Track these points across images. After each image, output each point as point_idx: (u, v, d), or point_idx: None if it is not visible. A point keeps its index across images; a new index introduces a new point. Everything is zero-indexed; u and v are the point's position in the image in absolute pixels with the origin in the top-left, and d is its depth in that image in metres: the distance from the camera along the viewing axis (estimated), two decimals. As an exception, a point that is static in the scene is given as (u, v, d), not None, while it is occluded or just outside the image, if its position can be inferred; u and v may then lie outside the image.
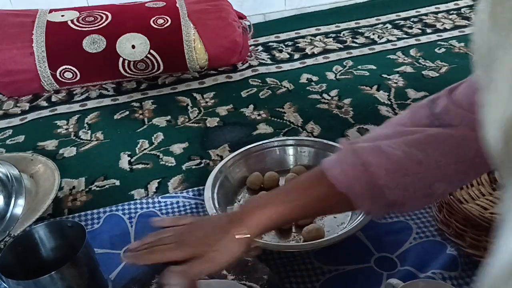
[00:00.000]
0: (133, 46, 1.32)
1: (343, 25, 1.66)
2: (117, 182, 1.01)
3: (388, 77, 1.33)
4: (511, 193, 0.37)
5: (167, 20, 1.35)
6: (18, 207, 0.87)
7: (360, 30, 1.62)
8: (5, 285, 0.66)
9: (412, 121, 0.62)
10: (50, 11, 1.38)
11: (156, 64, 1.35)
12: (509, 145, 0.39)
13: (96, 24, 1.33)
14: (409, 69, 1.36)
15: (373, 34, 1.58)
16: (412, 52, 1.45)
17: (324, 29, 1.64)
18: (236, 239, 0.61)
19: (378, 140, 0.62)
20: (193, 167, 1.04)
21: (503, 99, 0.38)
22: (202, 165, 1.05)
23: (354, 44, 1.53)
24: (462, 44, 1.48)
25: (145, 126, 1.20)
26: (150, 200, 0.94)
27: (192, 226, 0.67)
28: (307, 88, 1.31)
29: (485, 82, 0.41)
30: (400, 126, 0.63)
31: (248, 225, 0.62)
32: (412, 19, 1.67)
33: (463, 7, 1.74)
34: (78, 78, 1.34)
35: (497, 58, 0.39)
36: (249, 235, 0.62)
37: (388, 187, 0.60)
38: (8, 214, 0.85)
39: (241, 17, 1.45)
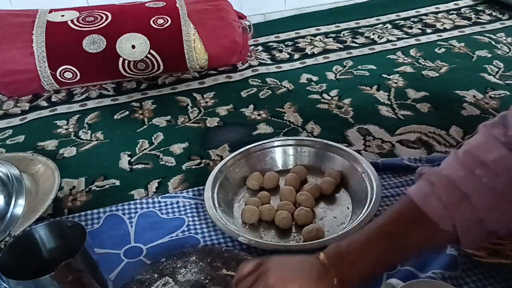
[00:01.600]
0: (133, 46, 1.32)
1: (343, 25, 1.66)
2: (117, 182, 1.01)
3: (388, 77, 1.33)
4: None
5: (167, 20, 1.35)
6: (19, 207, 0.87)
7: (360, 30, 1.62)
8: (5, 285, 0.66)
9: (505, 134, 0.58)
10: (50, 11, 1.38)
11: (156, 64, 1.35)
12: None
13: (96, 24, 1.33)
14: (409, 69, 1.36)
15: (373, 34, 1.58)
16: (412, 52, 1.45)
17: (324, 29, 1.64)
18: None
19: (472, 170, 0.58)
20: (193, 167, 1.04)
21: None
22: (202, 165, 1.05)
23: (354, 44, 1.53)
24: (462, 44, 1.48)
25: (145, 126, 1.20)
26: (150, 200, 0.94)
27: (282, 279, 0.59)
28: (307, 88, 1.31)
29: None
30: (492, 137, 0.59)
31: (345, 278, 0.59)
32: (412, 19, 1.67)
33: (463, 7, 1.74)
34: (78, 78, 1.34)
35: None
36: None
37: (490, 220, 0.57)
38: (9, 214, 0.85)
39: (241, 17, 1.45)
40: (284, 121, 1.17)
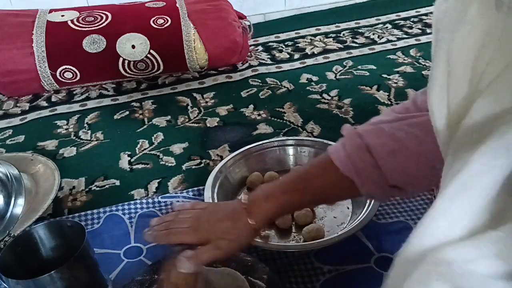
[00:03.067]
0: (133, 46, 1.32)
1: (343, 25, 1.66)
2: (117, 182, 1.01)
3: (388, 77, 1.33)
4: (444, 180, 0.38)
5: (167, 20, 1.35)
6: (18, 207, 0.87)
7: (360, 30, 1.62)
8: (5, 285, 0.66)
9: (407, 111, 0.65)
10: (50, 11, 1.38)
11: (156, 64, 1.35)
12: (451, 131, 0.39)
13: (96, 24, 1.33)
14: (409, 69, 1.36)
15: (373, 34, 1.58)
16: (412, 52, 1.45)
17: (324, 29, 1.64)
18: (245, 229, 0.66)
19: (381, 123, 0.64)
20: (193, 167, 1.04)
21: (442, 83, 0.40)
22: (202, 165, 1.05)
23: (354, 44, 1.53)
24: (462, 44, 1.47)
25: (145, 126, 1.20)
26: (150, 200, 0.94)
27: (207, 212, 0.71)
28: (307, 88, 1.31)
29: (432, 66, 0.43)
30: (398, 113, 0.65)
31: (256, 216, 0.66)
32: (412, 19, 1.67)
33: (463, 7, 1.74)
34: (78, 78, 1.34)
35: (436, 39, 0.41)
36: (256, 225, 0.66)
37: (389, 168, 0.62)
38: (8, 214, 0.85)
39: (241, 17, 1.45)
40: (284, 121, 1.17)
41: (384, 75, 1.34)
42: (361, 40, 1.55)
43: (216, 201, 0.87)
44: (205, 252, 0.65)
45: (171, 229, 0.69)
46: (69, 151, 1.12)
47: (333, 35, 1.60)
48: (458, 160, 0.35)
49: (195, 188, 0.96)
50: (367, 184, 0.64)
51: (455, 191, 0.34)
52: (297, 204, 0.71)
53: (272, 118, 1.19)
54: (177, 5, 1.40)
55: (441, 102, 0.41)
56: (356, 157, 0.64)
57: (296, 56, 1.49)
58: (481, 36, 0.37)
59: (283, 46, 1.55)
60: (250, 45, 1.53)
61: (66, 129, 1.21)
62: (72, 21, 1.34)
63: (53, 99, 1.34)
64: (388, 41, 1.53)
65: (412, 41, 1.52)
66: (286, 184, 0.70)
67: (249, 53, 1.49)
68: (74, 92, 1.37)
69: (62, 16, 1.36)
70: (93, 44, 1.31)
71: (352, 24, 1.67)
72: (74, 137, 1.17)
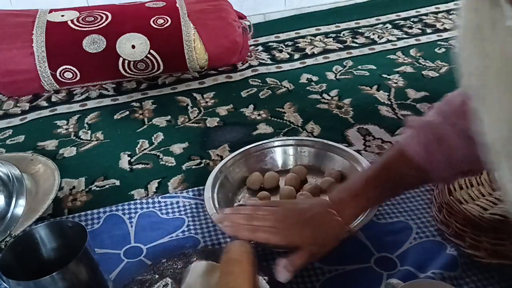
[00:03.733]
0: (133, 46, 1.32)
1: (343, 25, 1.66)
2: (117, 182, 1.01)
3: (388, 77, 1.33)
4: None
5: (167, 20, 1.35)
6: (19, 207, 0.87)
7: (360, 30, 1.62)
8: (5, 285, 0.66)
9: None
10: (50, 11, 1.38)
11: (156, 64, 1.35)
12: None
13: (96, 24, 1.33)
14: (409, 69, 1.37)
15: (373, 34, 1.58)
16: (412, 52, 1.46)
17: (324, 29, 1.64)
18: (336, 231, 0.70)
19: (448, 116, 0.69)
20: (193, 167, 1.04)
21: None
22: (202, 165, 1.05)
23: (354, 44, 1.53)
24: (462, 44, 1.47)
25: (145, 126, 1.20)
26: (150, 200, 0.94)
27: (291, 213, 0.74)
28: (307, 88, 1.31)
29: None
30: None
31: (345, 216, 0.71)
32: (412, 19, 1.67)
33: (463, 7, 1.74)
34: (78, 78, 1.34)
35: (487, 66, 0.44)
36: (346, 227, 0.71)
37: (465, 160, 0.66)
38: (9, 214, 0.85)
39: (241, 17, 1.45)
40: (284, 121, 1.17)
41: (384, 75, 1.34)
42: (361, 40, 1.55)
43: (216, 200, 0.87)
44: (300, 259, 0.67)
45: (258, 227, 0.71)
46: (69, 151, 1.12)
47: (333, 35, 1.60)
48: None
49: (195, 188, 0.97)
50: (441, 173, 0.69)
51: None
52: (380, 198, 0.76)
53: (272, 118, 1.19)
54: (177, 5, 1.40)
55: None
56: (431, 149, 0.68)
57: (296, 56, 1.49)
58: None
59: (283, 46, 1.55)
60: (250, 45, 1.53)
61: (66, 129, 1.21)
62: (72, 21, 1.34)
63: (53, 99, 1.34)
64: (388, 41, 1.53)
65: (412, 41, 1.52)
66: (369, 180, 0.73)
67: (249, 53, 1.49)
68: (74, 92, 1.37)
69: (62, 16, 1.36)
70: (93, 44, 1.31)
71: (352, 24, 1.67)
72: (74, 137, 1.17)
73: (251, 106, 1.24)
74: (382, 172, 0.73)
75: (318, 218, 0.71)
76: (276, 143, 1.01)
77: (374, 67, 1.38)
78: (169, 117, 1.22)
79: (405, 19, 1.68)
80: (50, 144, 1.15)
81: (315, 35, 1.60)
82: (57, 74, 1.31)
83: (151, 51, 1.33)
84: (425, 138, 0.69)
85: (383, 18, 1.69)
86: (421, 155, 0.68)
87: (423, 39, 1.53)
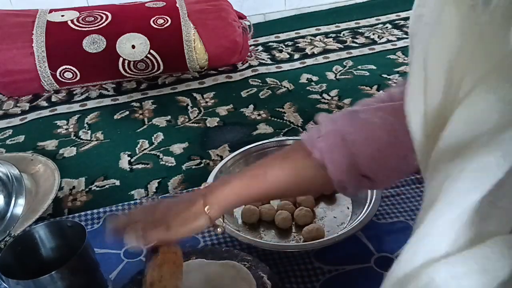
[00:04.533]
0: (133, 46, 1.32)
1: (343, 25, 1.66)
2: (117, 182, 1.01)
3: (388, 77, 1.33)
4: (428, 192, 0.38)
5: (167, 20, 1.35)
6: (19, 207, 0.87)
7: (360, 30, 1.62)
8: (5, 285, 0.66)
9: (390, 98, 0.63)
10: (50, 11, 1.38)
11: (156, 64, 1.35)
12: (429, 140, 0.39)
13: (96, 24, 1.33)
14: (409, 69, 1.36)
15: (373, 34, 1.58)
16: (412, 52, 1.45)
17: (324, 29, 1.64)
18: (198, 214, 0.65)
19: (356, 111, 0.63)
20: (193, 167, 1.04)
21: (419, 91, 0.40)
22: (202, 165, 1.05)
23: (354, 44, 1.53)
24: (462, 44, 1.47)
25: (145, 126, 1.20)
26: (150, 200, 0.94)
27: (163, 202, 0.71)
28: (307, 88, 1.31)
29: (409, 73, 0.43)
30: (373, 102, 0.64)
31: (211, 202, 0.65)
32: (412, 19, 1.67)
33: (463, 7, 1.74)
34: (78, 78, 1.34)
35: (413, 45, 0.41)
36: (211, 212, 0.65)
37: (362, 156, 0.61)
38: (9, 214, 0.85)
39: (241, 17, 1.45)
40: (284, 121, 1.17)
41: (384, 75, 1.34)
42: (361, 40, 1.55)
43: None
44: (154, 232, 0.64)
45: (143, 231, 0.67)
46: (69, 151, 1.12)
47: (333, 35, 1.60)
48: (439, 174, 0.36)
49: (195, 188, 0.96)
50: (339, 171, 0.62)
51: (440, 208, 0.35)
52: (255, 192, 0.66)
53: (272, 118, 1.19)
54: (177, 5, 1.40)
55: (418, 109, 0.40)
56: (329, 142, 0.62)
57: (296, 56, 1.49)
58: (457, 39, 0.37)
59: (283, 46, 1.55)
60: (250, 45, 1.53)
61: (66, 129, 1.21)
62: (72, 21, 1.34)
63: (53, 99, 1.34)
64: (388, 41, 1.53)
65: (412, 41, 1.52)
66: (245, 170, 0.69)
67: (249, 53, 1.49)
68: (74, 92, 1.37)
69: (62, 16, 1.36)
70: (93, 44, 1.31)
71: (352, 24, 1.67)
72: (74, 137, 1.17)
73: (251, 106, 1.24)
74: (264, 163, 0.67)
75: (186, 200, 0.67)
76: (276, 143, 1.01)
77: (374, 67, 1.38)
78: (169, 117, 1.22)
79: (405, 19, 1.67)
80: (50, 144, 1.15)
81: (315, 35, 1.60)
82: (57, 74, 1.31)
83: (151, 51, 1.33)
84: (325, 131, 0.63)
85: (383, 18, 1.69)
86: (317, 147, 0.62)
87: (423, 39, 1.53)
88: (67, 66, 1.31)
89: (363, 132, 0.61)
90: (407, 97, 0.43)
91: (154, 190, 0.98)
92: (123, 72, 1.35)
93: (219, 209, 0.66)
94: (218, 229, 0.69)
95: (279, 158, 0.67)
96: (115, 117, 1.24)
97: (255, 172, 0.67)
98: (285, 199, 0.90)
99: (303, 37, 1.60)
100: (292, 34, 1.62)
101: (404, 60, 1.41)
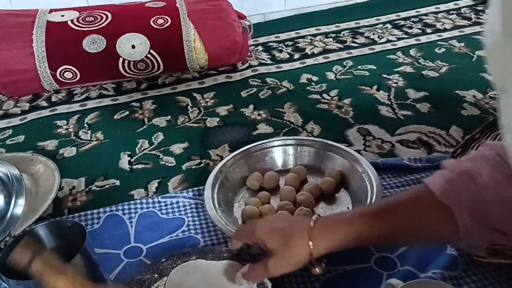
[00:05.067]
0: (133, 46, 1.32)
1: (343, 25, 1.66)
2: (117, 182, 1.01)
3: (388, 77, 1.33)
4: None
5: (167, 20, 1.35)
6: (19, 207, 0.87)
7: (360, 30, 1.62)
8: (5, 285, 0.66)
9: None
10: (50, 11, 1.38)
11: (156, 64, 1.35)
12: None
13: (96, 24, 1.33)
14: (409, 69, 1.36)
15: (373, 34, 1.58)
16: (412, 52, 1.45)
17: (324, 29, 1.64)
18: (302, 250, 0.63)
19: (483, 153, 0.58)
20: (193, 167, 1.04)
21: None
22: (202, 165, 1.05)
23: (354, 44, 1.53)
24: (462, 44, 1.48)
25: (145, 126, 1.20)
26: (150, 200, 0.94)
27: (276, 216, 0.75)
28: (307, 88, 1.31)
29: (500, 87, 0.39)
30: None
31: (317, 244, 0.63)
32: (412, 19, 1.67)
33: (463, 7, 1.74)
34: (78, 78, 1.34)
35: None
36: (314, 251, 0.63)
37: (492, 202, 0.54)
38: (9, 214, 0.85)
39: (241, 17, 1.45)
40: (284, 121, 1.17)
41: (384, 75, 1.34)
42: (361, 40, 1.55)
43: (216, 200, 0.87)
44: (256, 271, 0.66)
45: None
46: (69, 151, 1.12)
47: (333, 35, 1.60)
48: None
49: (195, 188, 0.96)
50: (464, 214, 0.56)
51: None
52: (375, 233, 0.61)
53: (272, 118, 1.19)
54: (177, 5, 1.40)
55: None
56: (457, 182, 0.56)
57: (296, 56, 1.49)
58: None
59: (283, 46, 1.55)
60: (250, 45, 1.53)
61: (66, 129, 1.21)
62: (72, 21, 1.34)
63: (53, 99, 1.34)
64: (388, 41, 1.53)
65: (412, 41, 1.52)
66: (363, 208, 0.65)
67: (249, 53, 1.49)
68: (74, 92, 1.37)
69: (62, 16, 1.36)
70: (93, 44, 1.31)
71: (352, 24, 1.67)
72: (74, 137, 1.17)
73: (251, 106, 1.24)
74: (385, 202, 0.63)
75: (292, 227, 0.65)
76: (276, 143, 1.01)
77: (374, 67, 1.38)
78: (169, 117, 1.22)
79: (405, 19, 1.68)
80: (50, 144, 1.15)
81: (315, 35, 1.60)
82: (57, 74, 1.31)
83: (151, 51, 1.33)
84: (452, 172, 0.58)
85: (383, 18, 1.69)
86: (443, 188, 0.56)
87: (423, 39, 1.53)
88: (67, 66, 1.31)
89: (494, 174, 0.55)
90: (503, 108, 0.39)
91: (154, 190, 0.98)
92: (123, 72, 1.35)
93: (323, 250, 0.63)
94: (317, 269, 0.66)
95: (401, 198, 0.63)
96: (115, 117, 1.24)
97: (374, 209, 0.63)
98: (284, 199, 0.89)
99: (303, 37, 1.60)
100: (292, 34, 1.62)
101: (404, 60, 1.41)
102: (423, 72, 1.34)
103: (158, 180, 1.01)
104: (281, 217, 0.73)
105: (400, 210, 0.61)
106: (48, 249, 0.66)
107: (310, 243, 0.62)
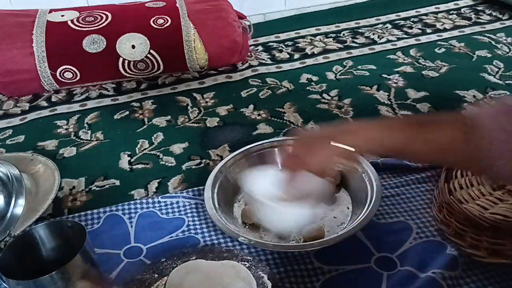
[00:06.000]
0: (133, 46, 1.32)
1: (343, 25, 1.66)
2: (117, 182, 1.01)
3: (388, 77, 1.33)
4: None
5: (167, 20, 1.35)
6: (19, 207, 0.87)
7: (360, 30, 1.62)
8: (5, 285, 0.66)
9: None
10: (50, 11, 1.38)
11: (156, 64, 1.35)
12: None
13: (96, 24, 1.33)
14: (409, 69, 1.36)
15: (373, 34, 1.58)
16: (412, 52, 1.45)
17: (324, 29, 1.64)
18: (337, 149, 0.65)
19: None
20: (193, 167, 1.04)
21: None
22: (202, 165, 1.05)
23: (354, 44, 1.53)
24: (462, 44, 1.48)
25: (145, 126, 1.20)
26: (150, 200, 0.94)
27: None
28: (307, 88, 1.31)
29: None
30: None
31: (354, 140, 0.65)
32: (412, 19, 1.67)
33: (463, 7, 1.74)
34: (78, 78, 1.34)
35: None
36: (352, 149, 0.64)
37: None
38: (9, 214, 0.85)
39: (241, 17, 1.45)
40: (284, 121, 1.17)
41: (384, 75, 1.34)
42: (361, 40, 1.55)
43: (216, 200, 0.87)
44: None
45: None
46: (69, 151, 1.12)
47: (333, 35, 1.60)
48: None
49: (195, 188, 0.96)
50: (500, 134, 0.56)
51: None
52: (406, 139, 0.63)
53: (272, 118, 1.19)
54: (177, 5, 1.40)
55: None
56: (494, 112, 0.57)
57: (296, 56, 1.49)
58: None
59: (283, 46, 1.55)
60: (250, 45, 1.53)
61: (66, 129, 1.21)
62: (72, 21, 1.34)
63: (53, 99, 1.34)
64: (388, 41, 1.53)
65: (412, 41, 1.52)
66: (399, 121, 0.70)
67: (249, 53, 1.49)
68: (74, 92, 1.37)
69: (62, 16, 1.36)
70: (93, 44, 1.31)
71: (352, 24, 1.67)
72: (74, 137, 1.17)
73: (251, 106, 1.24)
74: (425, 118, 0.65)
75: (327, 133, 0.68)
76: (276, 143, 1.01)
77: (374, 67, 1.38)
78: (169, 117, 1.22)
79: (405, 19, 1.67)
80: (50, 144, 1.15)
81: (315, 35, 1.60)
82: (57, 74, 1.31)
83: (151, 51, 1.33)
84: (494, 107, 0.58)
85: (383, 18, 1.69)
86: (479, 114, 0.57)
87: (423, 39, 1.53)
88: (67, 66, 1.31)
89: None
90: None
91: (154, 190, 0.98)
92: (123, 72, 1.35)
93: (358, 151, 0.66)
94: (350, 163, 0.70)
95: (438, 117, 0.65)
96: (115, 117, 1.24)
97: (409, 121, 0.67)
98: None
99: (303, 37, 1.60)
100: (292, 34, 1.62)
101: (404, 60, 1.41)
102: (423, 72, 1.34)
103: (158, 180, 1.01)
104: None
105: (433, 129, 0.62)
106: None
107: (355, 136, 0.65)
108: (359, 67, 1.39)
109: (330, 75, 1.37)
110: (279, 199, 0.70)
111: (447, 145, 0.60)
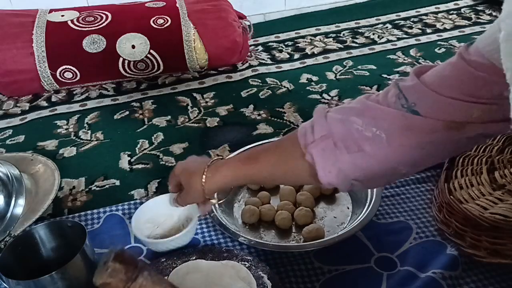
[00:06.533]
0: (133, 46, 1.32)
1: (343, 25, 1.66)
2: (117, 182, 1.01)
3: (388, 77, 1.33)
4: None
5: (167, 20, 1.35)
6: (19, 207, 0.87)
7: (360, 30, 1.62)
8: (5, 285, 0.66)
9: (383, 99, 0.63)
10: (50, 11, 1.38)
11: (156, 64, 1.35)
12: None
13: (96, 24, 1.33)
14: (409, 69, 1.36)
15: (373, 34, 1.58)
16: (412, 52, 1.45)
17: (324, 29, 1.64)
18: (198, 186, 0.75)
19: (351, 115, 0.64)
20: (193, 167, 1.04)
21: None
22: (202, 165, 1.04)
23: (354, 44, 1.53)
24: (462, 44, 1.47)
25: (145, 126, 1.20)
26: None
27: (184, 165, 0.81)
28: (307, 88, 1.31)
29: None
30: (372, 102, 0.64)
31: (207, 180, 0.74)
32: (412, 19, 1.67)
33: (463, 7, 1.74)
34: (78, 78, 1.34)
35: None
36: (205, 188, 0.74)
37: (350, 168, 0.64)
38: (9, 214, 0.85)
39: (241, 17, 1.45)
40: (284, 121, 1.17)
41: (384, 75, 1.34)
42: (361, 40, 1.55)
43: (217, 201, 0.87)
44: (175, 200, 0.82)
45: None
46: (69, 151, 1.12)
47: (333, 35, 1.60)
48: None
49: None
50: (328, 177, 0.65)
51: None
52: (250, 176, 0.74)
53: (272, 118, 1.19)
54: (177, 5, 1.40)
55: None
56: (322, 147, 0.65)
57: (296, 56, 1.49)
58: None
59: (283, 46, 1.55)
60: (250, 45, 1.53)
61: (66, 129, 1.21)
62: (72, 21, 1.34)
63: (53, 99, 1.34)
64: (388, 41, 1.53)
65: (412, 41, 1.52)
66: (243, 154, 0.78)
67: (249, 53, 1.49)
68: (74, 92, 1.37)
69: (62, 16, 1.36)
70: (93, 44, 1.31)
71: (352, 24, 1.67)
72: (74, 137, 1.17)
73: (251, 106, 1.24)
74: (261, 149, 0.74)
75: (196, 167, 0.76)
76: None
77: (374, 67, 1.38)
78: (169, 117, 1.22)
79: (405, 19, 1.67)
80: (50, 144, 1.15)
81: (315, 35, 1.60)
82: (57, 74, 1.31)
83: (151, 51, 1.33)
84: (319, 133, 0.66)
85: (383, 18, 1.69)
86: (311, 152, 0.65)
87: (423, 39, 1.53)
88: (67, 66, 1.31)
89: (352, 147, 0.63)
90: None
91: (154, 190, 0.98)
92: (123, 72, 1.35)
93: (213, 189, 0.76)
94: (212, 200, 0.80)
95: (273, 147, 0.74)
96: (115, 117, 1.24)
97: (250, 154, 0.76)
98: (284, 199, 0.90)
99: (303, 37, 1.60)
100: (292, 34, 1.62)
101: (404, 60, 1.41)
102: (423, 72, 1.34)
103: (158, 180, 1.01)
104: (195, 160, 0.81)
105: (270, 159, 0.71)
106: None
107: (203, 179, 0.74)
108: (359, 67, 1.39)
109: (330, 75, 1.37)
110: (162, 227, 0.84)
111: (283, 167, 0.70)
